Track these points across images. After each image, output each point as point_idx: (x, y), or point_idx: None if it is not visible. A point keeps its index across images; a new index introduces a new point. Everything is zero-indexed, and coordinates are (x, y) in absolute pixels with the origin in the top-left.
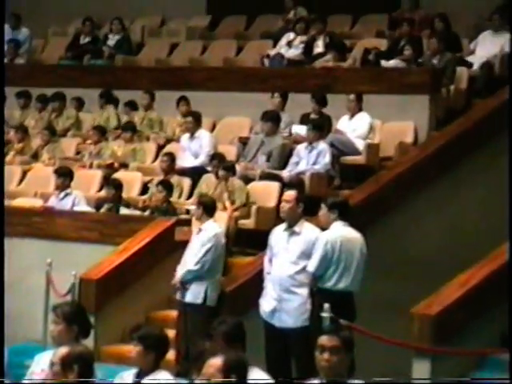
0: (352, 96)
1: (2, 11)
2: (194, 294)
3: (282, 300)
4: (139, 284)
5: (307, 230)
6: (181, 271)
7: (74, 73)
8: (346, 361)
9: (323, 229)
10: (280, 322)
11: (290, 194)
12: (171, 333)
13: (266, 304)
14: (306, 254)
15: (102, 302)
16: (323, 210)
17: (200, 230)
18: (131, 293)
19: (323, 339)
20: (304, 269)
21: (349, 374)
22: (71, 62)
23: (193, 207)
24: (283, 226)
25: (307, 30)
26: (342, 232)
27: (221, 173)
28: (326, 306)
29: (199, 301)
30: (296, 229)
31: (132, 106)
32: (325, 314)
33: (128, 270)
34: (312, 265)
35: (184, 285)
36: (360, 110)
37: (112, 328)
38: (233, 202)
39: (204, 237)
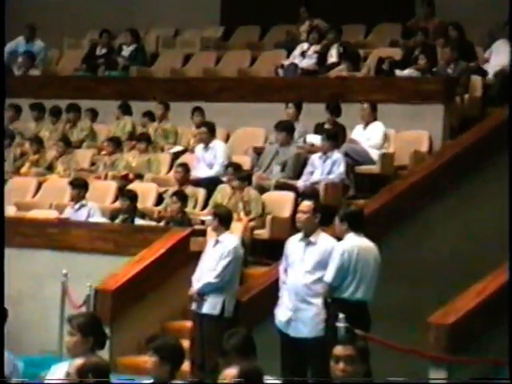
0: (366, 105)
1: (2, 12)
2: (212, 306)
3: (298, 310)
4: (154, 294)
5: (323, 240)
6: (198, 282)
7: (88, 84)
8: (361, 370)
9: (339, 239)
10: (296, 332)
11: (308, 204)
12: (186, 343)
13: (282, 314)
14: (322, 264)
15: (117, 312)
16: (337, 221)
17: (217, 241)
18: (146, 303)
19: (338, 349)
20: (320, 279)
21: None
22: (86, 73)
23: (208, 218)
24: (299, 235)
25: (321, 39)
26: (357, 242)
27: (236, 183)
28: (341, 316)
29: (216, 312)
30: (312, 239)
31: (150, 116)
32: (340, 324)
33: (143, 281)
34: (329, 275)
35: (202, 296)
36: (374, 119)
37: (127, 339)
38: (248, 213)
39: (223, 250)
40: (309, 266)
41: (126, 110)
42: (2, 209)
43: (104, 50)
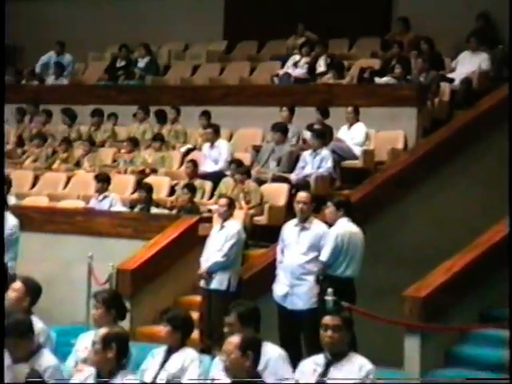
0: (350, 109)
1: (2, 14)
2: (219, 282)
3: (294, 285)
4: (167, 273)
5: (315, 225)
6: (206, 262)
7: (110, 92)
8: (347, 338)
9: (328, 224)
10: (292, 305)
11: (307, 195)
12: (195, 315)
13: (279, 289)
14: (315, 246)
15: (135, 289)
16: (330, 208)
17: (222, 226)
18: (161, 281)
19: (326, 319)
20: (312, 259)
21: (350, 349)
22: (108, 82)
23: (214, 206)
24: (294, 221)
25: (311, 51)
26: (348, 227)
27: (238, 176)
28: (330, 290)
29: (223, 287)
30: (306, 224)
31: (163, 119)
32: (328, 298)
33: (158, 262)
34: (325, 255)
35: (210, 274)
36: (357, 120)
37: (145, 311)
38: (248, 202)
39: (228, 233)
40: (303, 248)
41: (147, 113)
42: (2, 209)
43: (123, 63)
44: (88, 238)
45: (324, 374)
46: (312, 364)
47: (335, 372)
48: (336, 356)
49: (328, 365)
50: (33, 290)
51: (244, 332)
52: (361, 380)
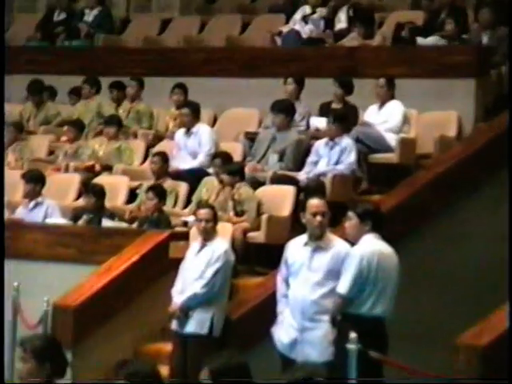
0: (382, 81)
1: (2, 11)
2: (199, 323)
3: (305, 329)
4: (126, 311)
5: (335, 243)
6: (180, 295)
7: (44, 56)
8: None
9: (350, 242)
10: (303, 356)
11: (322, 203)
12: (165, 370)
13: (284, 334)
14: (334, 274)
15: (80, 333)
16: (352, 220)
17: (204, 246)
18: (116, 322)
19: None
20: (331, 291)
21: None
22: (42, 43)
23: (191, 218)
24: (302, 238)
25: (325, 0)
26: (377, 246)
27: (225, 177)
28: (353, 335)
29: (204, 331)
30: (321, 243)
31: (119, 93)
32: (351, 346)
33: (112, 295)
34: (343, 285)
35: (186, 312)
36: (392, 97)
37: (93, 365)
38: (239, 214)
39: (211, 254)
40: (318, 276)
41: (95, 85)
42: (2, 211)
43: (63, 15)
44: (13, 262)
45: None
46: None
47: None
48: None
49: None
50: None
51: None
52: None
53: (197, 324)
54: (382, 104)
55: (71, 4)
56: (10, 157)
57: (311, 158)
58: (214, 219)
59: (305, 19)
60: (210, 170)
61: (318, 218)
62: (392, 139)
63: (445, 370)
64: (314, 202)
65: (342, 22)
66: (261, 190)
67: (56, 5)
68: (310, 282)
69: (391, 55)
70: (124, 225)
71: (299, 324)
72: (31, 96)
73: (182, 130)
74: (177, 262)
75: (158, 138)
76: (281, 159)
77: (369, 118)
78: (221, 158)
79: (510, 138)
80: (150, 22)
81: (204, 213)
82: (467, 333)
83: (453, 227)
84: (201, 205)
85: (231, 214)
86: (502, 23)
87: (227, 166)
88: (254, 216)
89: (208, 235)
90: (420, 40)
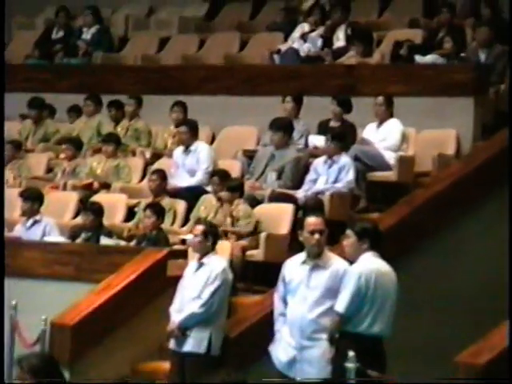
0: (380, 99)
1: (2, 11)
2: (197, 342)
3: (303, 348)
4: (124, 330)
5: (333, 261)
6: (178, 314)
7: (43, 74)
8: None
9: (348, 261)
10: (301, 374)
11: (320, 221)
12: None
13: (282, 353)
14: (333, 291)
15: (78, 352)
16: (350, 239)
17: (201, 264)
18: (114, 341)
19: None
20: (330, 310)
21: None
22: (40, 60)
23: (190, 236)
24: (300, 257)
25: (325, 19)
26: (375, 264)
27: (225, 194)
28: (351, 354)
29: (202, 350)
30: (320, 261)
31: (117, 111)
32: (350, 365)
33: (110, 313)
34: (341, 304)
35: (183, 331)
36: (390, 115)
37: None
38: (237, 231)
39: (209, 273)
40: (316, 295)
41: (98, 104)
42: (2, 210)
43: (61, 33)
44: (11, 280)
45: None
46: None
47: None
48: None
49: None
50: None
51: None
52: None
53: (194, 343)
54: (381, 122)
55: (69, 22)
56: (8, 175)
57: (310, 176)
58: (212, 236)
59: (303, 37)
60: (209, 188)
61: (316, 236)
62: (390, 157)
63: None
64: (312, 220)
65: (340, 40)
66: (259, 208)
67: (54, 22)
68: (308, 300)
69: (389, 73)
70: (122, 243)
71: (297, 342)
72: (32, 112)
73: (180, 148)
74: (175, 280)
75: (157, 156)
76: (279, 177)
77: (367, 136)
78: (219, 175)
79: (510, 155)
80: (149, 40)
81: (199, 228)
82: (466, 351)
83: (451, 245)
84: (199, 222)
85: (229, 231)
86: (499, 41)
87: (227, 182)
88: (252, 230)
89: (203, 251)
90: (418, 58)
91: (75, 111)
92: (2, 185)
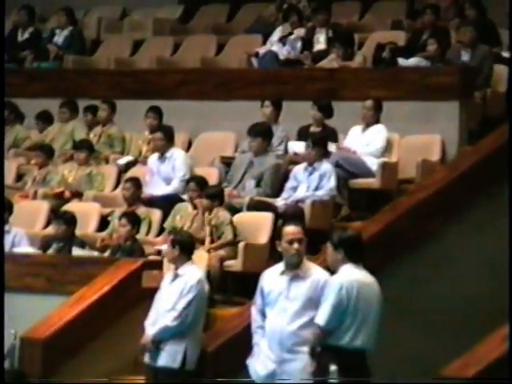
0: (369, 103)
1: (2, 11)
2: (171, 357)
3: (283, 361)
4: (97, 343)
5: (312, 271)
6: (152, 327)
7: (11, 79)
8: None
9: (330, 271)
10: None
11: (299, 230)
12: None
13: (261, 366)
14: (314, 302)
15: (50, 367)
16: (329, 249)
17: (176, 275)
18: (87, 354)
19: None
20: (311, 321)
21: None
22: (8, 64)
23: (165, 247)
24: (278, 267)
25: (304, 21)
26: (357, 275)
27: (204, 201)
28: (333, 368)
29: (176, 365)
30: (300, 272)
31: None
32: (332, 380)
33: (83, 327)
34: (322, 317)
35: (157, 344)
36: (377, 121)
37: None
38: (216, 240)
39: (184, 285)
40: (296, 306)
41: (73, 110)
42: (2, 210)
43: (26, 35)
44: None
45: None
46: None
47: None
48: None
49: None
50: None
51: None
52: None
53: (168, 357)
54: (367, 126)
55: (35, 22)
56: None
57: (290, 184)
58: (182, 246)
59: (282, 40)
60: (184, 197)
61: (295, 245)
62: (373, 164)
63: None
64: (290, 229)
65: (320, 42)
66: (237, 217)
67: (19, 23)
68: (288, 312)
69: (372, 77)
70: (95, 253)
71: (277, 356)
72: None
73: (155, 155)
74: (150, 292)
75: (131, 163)
76: (258, 185)
77: (351, 140)
78: (195, 181)
79: (510, 155)
80: (122, 42)
81: (169, 238)
82: (453, 364)
83: (436, 253)
84: (176, 232)
85: (207, 240)
86: (483, 41)
87: (206, 189)
88: (230, 239)
89: (175, 262)
90: (401, 61)
91: (42, 118)
92: (2, 185)
